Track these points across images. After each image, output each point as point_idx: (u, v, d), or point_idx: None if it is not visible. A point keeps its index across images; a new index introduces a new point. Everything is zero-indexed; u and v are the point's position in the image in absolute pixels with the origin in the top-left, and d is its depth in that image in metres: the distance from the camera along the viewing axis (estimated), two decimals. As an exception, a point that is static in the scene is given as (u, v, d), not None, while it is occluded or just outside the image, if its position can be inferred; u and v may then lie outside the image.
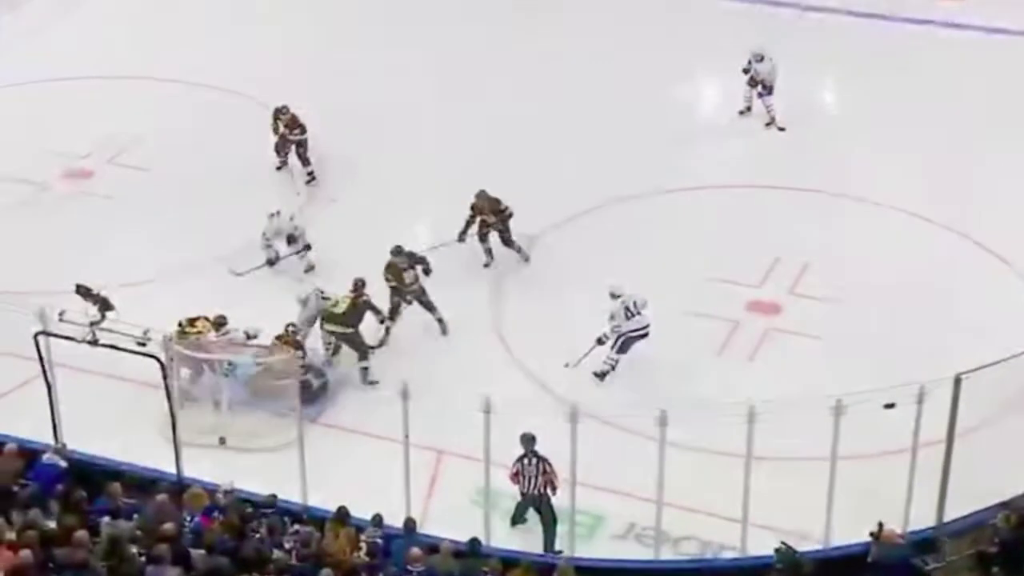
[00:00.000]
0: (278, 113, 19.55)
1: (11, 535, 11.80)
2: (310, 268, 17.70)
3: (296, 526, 12.85)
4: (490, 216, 17.61)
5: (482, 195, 17.73)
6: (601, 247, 18.11)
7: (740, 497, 12.95)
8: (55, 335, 13.75)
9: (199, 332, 15.47)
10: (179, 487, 13.29)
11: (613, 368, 15.88)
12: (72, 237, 18.63)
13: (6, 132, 20.85)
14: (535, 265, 18.00)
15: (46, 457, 13.27)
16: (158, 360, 13.57)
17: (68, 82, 22.13)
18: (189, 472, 13.85)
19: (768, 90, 20.72)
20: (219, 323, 15.67)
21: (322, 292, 16.25)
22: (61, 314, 13.63)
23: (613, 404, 13.81)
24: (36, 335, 13.77)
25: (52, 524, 12.25)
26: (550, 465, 13.50)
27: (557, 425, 12.76)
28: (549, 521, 13.66)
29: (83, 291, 15.56)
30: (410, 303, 16.68)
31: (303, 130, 19.53)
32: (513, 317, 17.06)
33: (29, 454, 13.49)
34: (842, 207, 19.02)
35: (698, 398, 14.27)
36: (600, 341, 15.90)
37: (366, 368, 15.99)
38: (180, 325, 15.07)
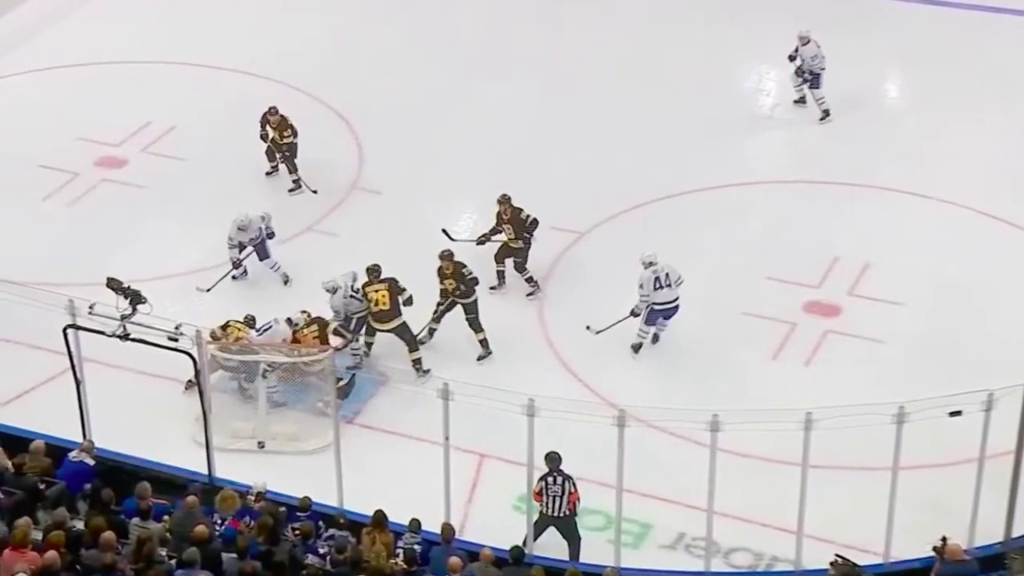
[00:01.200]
0: (267, 115, 19.22)
1: (37, 535, 11.83)
2: (287, 280, 17.34)
3: (331, 531, 12.85)
4: (516, 240, 17.28)
5: (505, 201, 17.29)
6: (652, 244, 17.84)
7: (795, 507, 12.82)
8: (85, 329, 13.80)
9: (239, 335, 15.45)
10: (211, 488, 13.30)
11: (640, 344, 16.21)
12: (104, 228, 18.73)
13: (37, 118, 21.00)
14: (583, 263, 17.94)
15: (72, 455, 13.31)
16: (191, 356, 13.58)
17: (100, 67, 22.27)
18: (221, 473, 13.87)
19: (815, 80, 20.49)
20: (249, 324, 15.68)
21: (355, 279, 16.13)
22: (91, 307, 13.66)
23: (663, 408, 13.68)
24: (65, 329, 13.84)
25: (79, 524, 12.29)
26: (575, 485, 13.38)
27: (604, 429, 12.69)
28: (574, 539, 13.53)
29: (114, 284, 15.59)
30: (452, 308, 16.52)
31: (294, 133, 19.18)
32: (560, 318, 17.00)
33: (57, 451, 13.53)
34: (906, 204, 18.81)
35: (752, 403, 14.12)
36: (634, 313, 16.01)
37: (419, 359, 15.95)
38: (214, 336, 15.08)
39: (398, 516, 12.89)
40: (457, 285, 16.20)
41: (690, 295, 16.72)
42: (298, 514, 12.93)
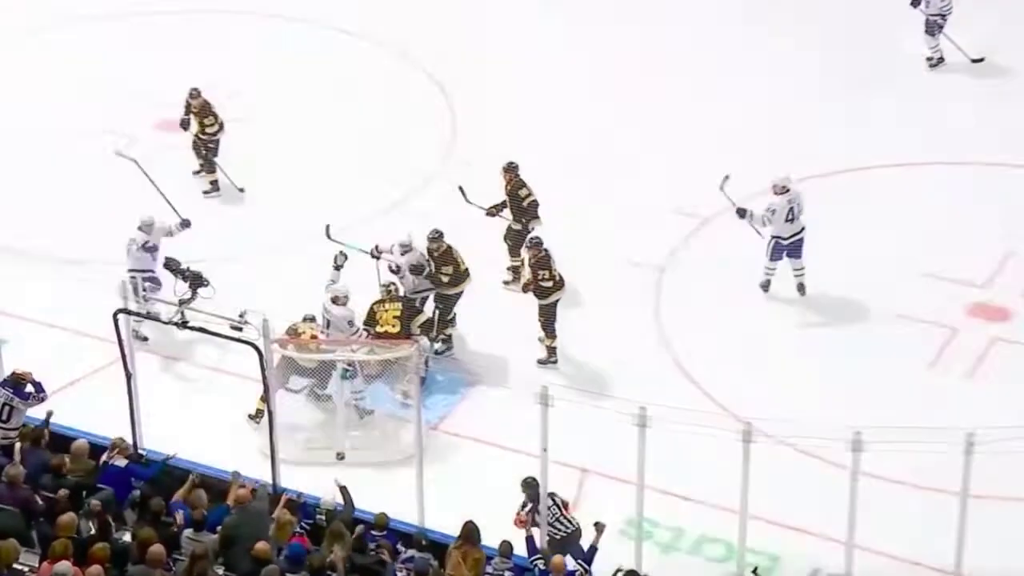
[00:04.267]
0: (189, 98, 18.90)
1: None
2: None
3: (410, 552, 12.90)
4: (516, 223, 17.25)
5: (509, 169, 17.22)
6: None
7: (954, 544, 12.64)
8: (138, 314, 13.96)
9: (314, 334, 15.59)
10: (274, 498, 13.42)
11: (768, 282, 16.88)
12: (159, 200, 18.87)
13: (91, 73, 21.29)
14: (706, 252, 17.88)
15: (105, 458, 13.46)
16: (256, 348, 13.69)
17: (158, 17, 22.55)
18: (287, 483, 13.97)
19: (938, 26, 20.56)
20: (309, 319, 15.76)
21: (422, 257, 16.25)
22: (146, 290, 13.79)
23: (796, 423, 13.55)
24: (116, 313, 13.98)
25: (126, 536, 12.45)
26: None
27: (727, 445, 12.62)
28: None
29: (172, 265, 15.80)
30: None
31: (216, 123, 18.84)
32: (678, 314, 16.97)
33: (102, 453, 13.69)
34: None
35: (903, 420, 13.93)
36: (740, 214, 16.50)
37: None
38: (283, 343, 15.20)
39: (486, 538, 12.89)
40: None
41: (833, 293, 16.60)
42: (373, 533, 12.98)
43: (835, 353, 16.22)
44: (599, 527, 12.75)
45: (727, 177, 16.90)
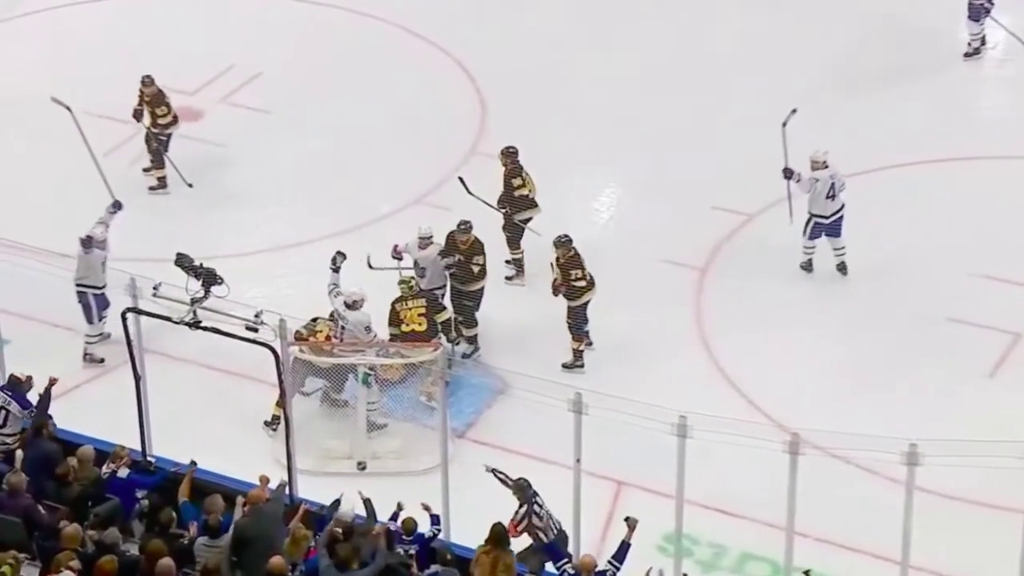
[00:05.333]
0: (142, 86, 18.71)
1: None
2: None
3: (434, 567, 12.86)
4: (523, 213, 17.29)
5: (507, 154, 17.24)
6: (846, 227, 17.71)
7: (1017, 566, 12.52)
8: (147, 314, 13.92)
9: (330, 333, 15.53)
10: (291, 509, 13.34)
11: (809, 261, 17.18)
12: (174, 192, 18.95)
13: (97, 59, 21.27)
14: (750, 250, 17.83)
15: (105, 469, 13.38)
16: (272, 350, 13.63)
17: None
18: (304, 493, 13.90)
19: (982, 11, 20.54)
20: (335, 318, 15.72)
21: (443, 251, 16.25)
22: (156, 287, 13.76)
23: (847, 434, 13.41)
24: (124, 312, 13.96)
25: (133, 549, 12.43)
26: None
27: (772, 456, 12.49)
28: None
29: (184, 261, 15.71)
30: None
31: (170, 114, 18.64)
32: (720, 315, 16.91)
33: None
34: None
35: (962, 432, 13.79)
36: (787, 173, 16.81)
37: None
38: (299, 336, 15.13)
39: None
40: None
41: (883, 296, 16.48)
42: (404, 537, 13.00)
43: (887, 360, 16.13)
44: (631, 522, 12.66)
45: (794, 111, 17.02)
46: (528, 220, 17.32)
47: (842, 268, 17.29)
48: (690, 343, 16.57)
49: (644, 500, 14.24)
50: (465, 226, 16.34)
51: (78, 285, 15.99)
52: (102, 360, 15.97)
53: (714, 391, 15.76)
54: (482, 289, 16.40)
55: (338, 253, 15.79)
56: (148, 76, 18.79)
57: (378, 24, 21.96)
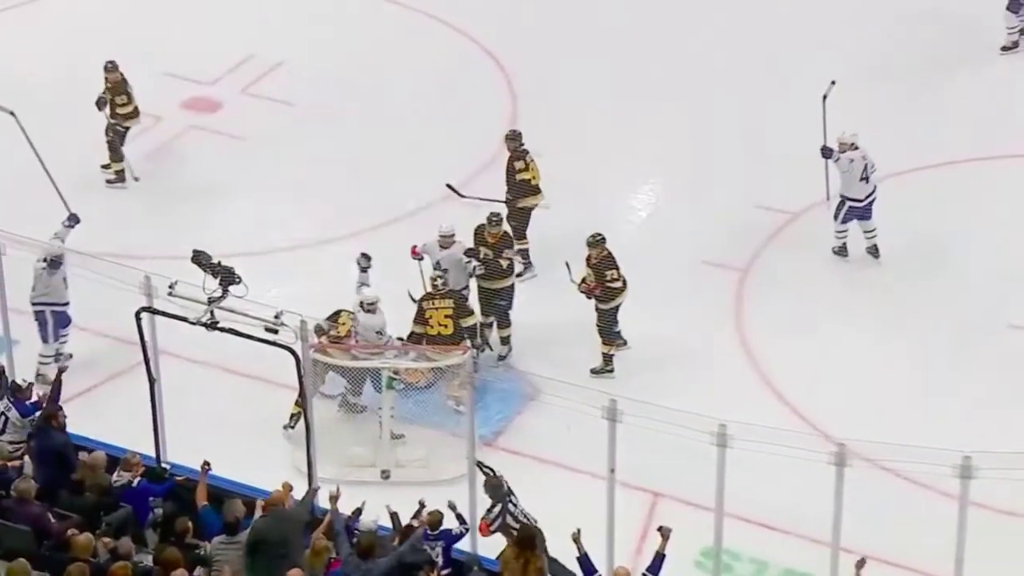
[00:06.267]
0: (105, 71, 18.63)
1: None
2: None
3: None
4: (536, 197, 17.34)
5: (511, 138, 17.34)
6: (891, 228, 17.65)
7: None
8: (163, 314, 13.93)
9: (347, 328, 15.52)
10: (315, 520, 13.34)
11: (844, 246, 17.43)
12: (192, 186, 18.98)
13: (109, 46, 21.22)
14: (795, 251, 17.82)
15: (116, 478, 13.41)
16: (293, 353, 13.63)
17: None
18: (325, 502, 13.89)
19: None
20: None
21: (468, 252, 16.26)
22: (172, 286, 13.77)
23: (897, 445, 13.34)
24: (139, 312, 13.98)
25: (147, 560, 12.44)
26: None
27: (817, 468, 12.49)
28: None
29: (202, 259, 15.71)
30: None
31: (130, 104, 18.56)
32: (763, 319, 16.89)
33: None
34: None
35: (1017, 445, 13.71)
36: (825, 152, 17.10)
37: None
38: (319, 327, 15.11)
39: (548, 568, 12.82)
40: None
41: (934, 300, 16.51)
42: (429, 533, 13.05)
43: (939, 368, 16.12)
44: (664, 532, 12.62)
45: (833, 83, 17.26)
46: (532, 208, 17.30)
47: (873, 251, 17.42)
48: (730, 348, 16.55)
49: (681, 513, 14.20)
50: (496, 219, 16.32)
51: (36, 304, 15.80)
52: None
53: (756, 399, 15.74)
54: (513, 286, 16.38)
55: (362, 255, 15.79)
56: (111, 62, 18.73)
57: (405, 12, 21.98)
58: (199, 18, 21.88)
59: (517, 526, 13.31)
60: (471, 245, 16.32)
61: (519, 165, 17.27)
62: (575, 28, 21.73)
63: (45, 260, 15.73)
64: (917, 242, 17.55)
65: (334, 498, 13.05)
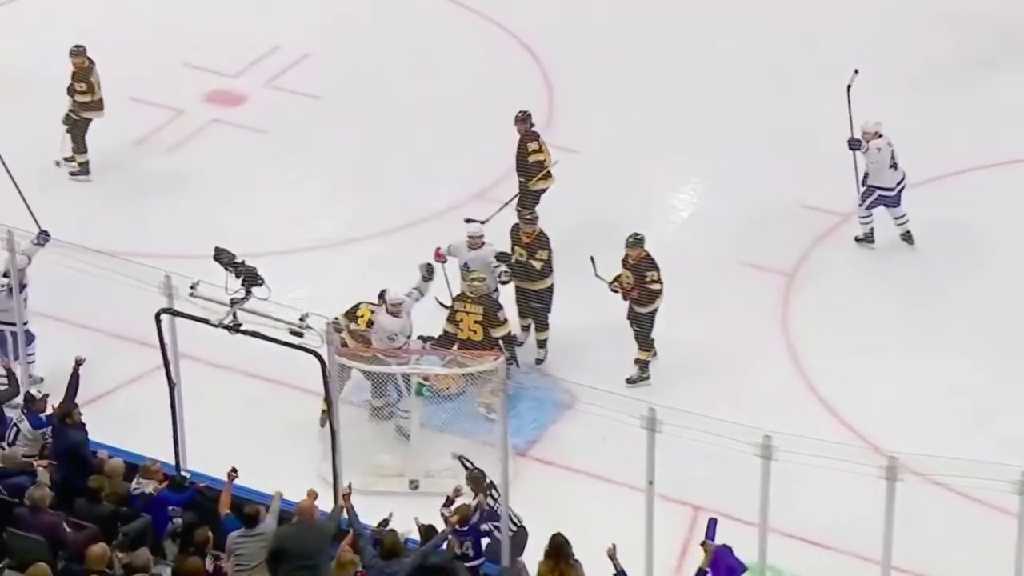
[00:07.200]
0: (70, 55, 18.50)
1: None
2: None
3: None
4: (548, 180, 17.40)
5: (521, 119, 17.39)
6: (938, 233, 17.66)
7: None
8: (183, 315, 13.92)
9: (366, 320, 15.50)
10: (342, 532, 13.34)
11: (871, 232, 17.62)
12: (214, 182, 19.01)
13: (129, 37, 21.36)
14: (844, 254, 17.80)
15: (136, 483, 13.43)
16: (318, 356, 13.61)
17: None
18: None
19: None
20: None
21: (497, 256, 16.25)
22: (193, 287, 13.77)
23: (949, 458, 13.26)
24: (159, 314, 13.95)
25: (166, 572, 12.47)
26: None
27: (867, 482, 12.41)
28: None
29: (224, 257, 15.69)
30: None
31: (91, 93, 18.40)
32: (810, 325, 16.87)
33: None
34: None
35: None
36: (853, 144, 17.22)
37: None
38: (336, 323, 15.07)
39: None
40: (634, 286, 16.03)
41: (989, 309, 16.60)
42: (458, 528, 13.10)
43: (997, 379, 16.03)
44: (708, 548, 12.62)
45: (856, 72, 17.34)
46: (544, 191, 17.32)
47: (907, 237, 17.63)
48: (775, 355, 16.53)
49: (724, 528, 13.80)
50: (531, 216, 16.28)
51: None
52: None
53: (802, 408, 15.71)
54: (551, 288, 16.33)
55: (427, 266, 15.83)
56: (77, 46, 18.68)
57: (435, 1, 21.95)
58: (223, 8, 21.95)
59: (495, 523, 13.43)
60: (500, 245, 16.32)
61: (533, 146, 17.30)
62: (613, 19, 21.74)
63: (6, 275, 15.53)
64: (971, 247, 17.51)
65: (346, 496, 13.12)
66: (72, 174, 18.89)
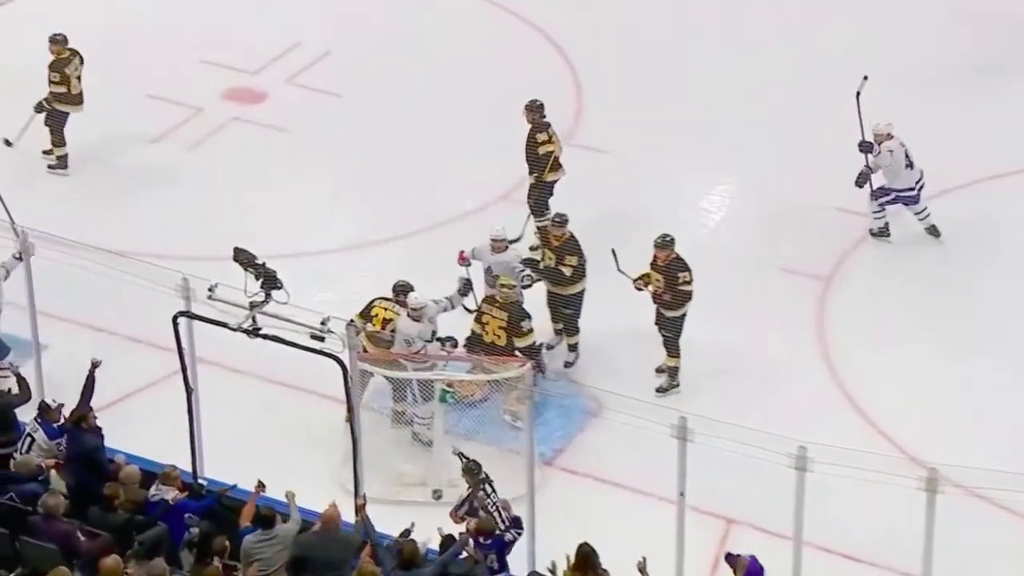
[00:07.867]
0: (50, 42, 18.43)
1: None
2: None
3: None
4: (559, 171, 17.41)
5: (531, 109, 17.37)
6: (980, 237, 17.63)
7: None
8: (201, 319, 13.95)
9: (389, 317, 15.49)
10: (364, 543, 13.33)
11: (885, 226, 17.78)
12: (232, 182, 19.05)
13: (147, 33, 21.46)
14: (883, 259, 17.76)
15: (153, 492, 13.44)
16: (340, 362, 13.61)
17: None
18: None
19: None
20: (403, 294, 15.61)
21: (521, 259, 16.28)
22: (212, 289, 13.79)
23: (991, 471, 13.25)
24: (176, 317, 13.99)
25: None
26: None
27: (906, 494, 12.40)
28: None
29: (244, 259, 15.71)
30: None
31: (63, 83, 18.25)
32: (848, 332, 16.85)
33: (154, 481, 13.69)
34: None
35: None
36: (864, 147, 17.34)
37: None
38: (354, 325, 15.06)
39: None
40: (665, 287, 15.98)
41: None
42: (482, 541, 13.05)
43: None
44: (740, 563, 12.60)
45: (865, 78, 17.40)
46: (555, 182, 17.34)
47: (933, 231, 17.73)
48: (811, 362, 16.51)
49: (757, 541, 14.08)
50: (560, 219, 16.27)
51: None
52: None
53: (838, 418, 15.69)
54: (582, 292, 16.31)
55: (465, 281, 15.92)
56: (57, 34, 18.60)
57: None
58: (243, 5, 22.00)
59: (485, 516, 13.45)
60: (525, 248, 16.32)
61: (542, 137, 17.31)
62: (644, 18, 21.74)
63: None
64: (1012, 254, 17.45)
65: (361, 506, 13.10)
66: (50, 167, 18.89)
